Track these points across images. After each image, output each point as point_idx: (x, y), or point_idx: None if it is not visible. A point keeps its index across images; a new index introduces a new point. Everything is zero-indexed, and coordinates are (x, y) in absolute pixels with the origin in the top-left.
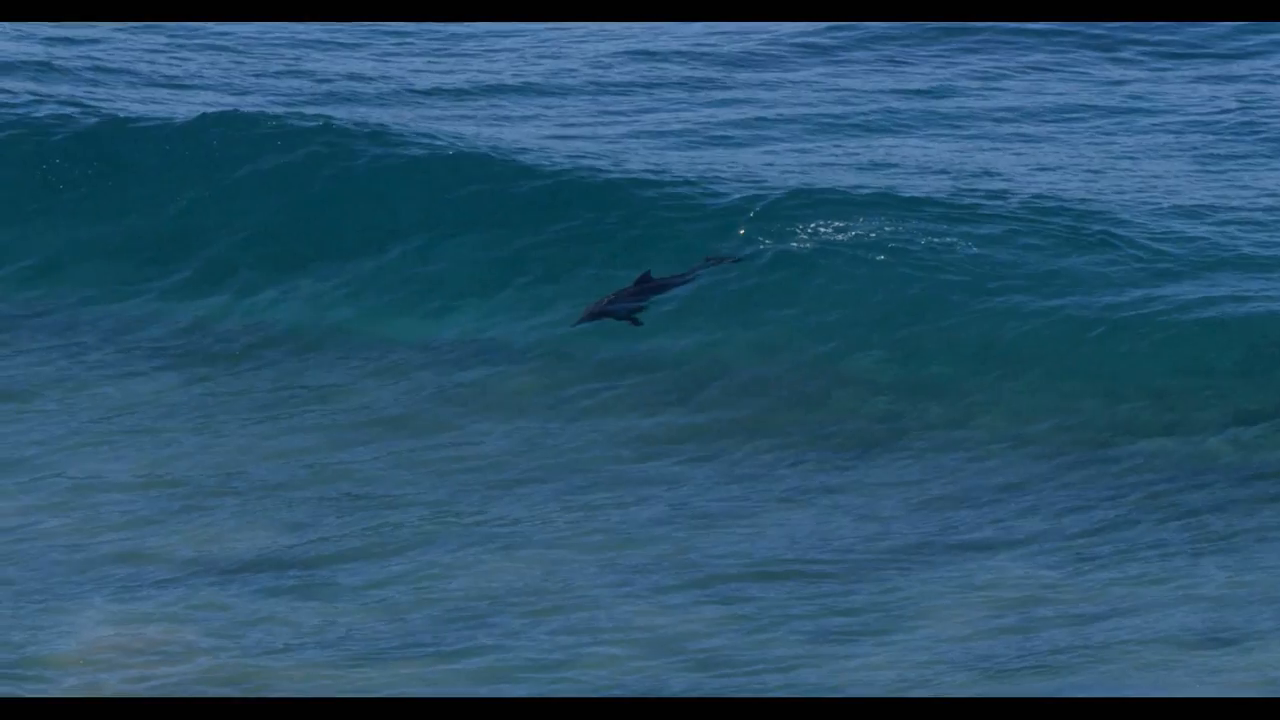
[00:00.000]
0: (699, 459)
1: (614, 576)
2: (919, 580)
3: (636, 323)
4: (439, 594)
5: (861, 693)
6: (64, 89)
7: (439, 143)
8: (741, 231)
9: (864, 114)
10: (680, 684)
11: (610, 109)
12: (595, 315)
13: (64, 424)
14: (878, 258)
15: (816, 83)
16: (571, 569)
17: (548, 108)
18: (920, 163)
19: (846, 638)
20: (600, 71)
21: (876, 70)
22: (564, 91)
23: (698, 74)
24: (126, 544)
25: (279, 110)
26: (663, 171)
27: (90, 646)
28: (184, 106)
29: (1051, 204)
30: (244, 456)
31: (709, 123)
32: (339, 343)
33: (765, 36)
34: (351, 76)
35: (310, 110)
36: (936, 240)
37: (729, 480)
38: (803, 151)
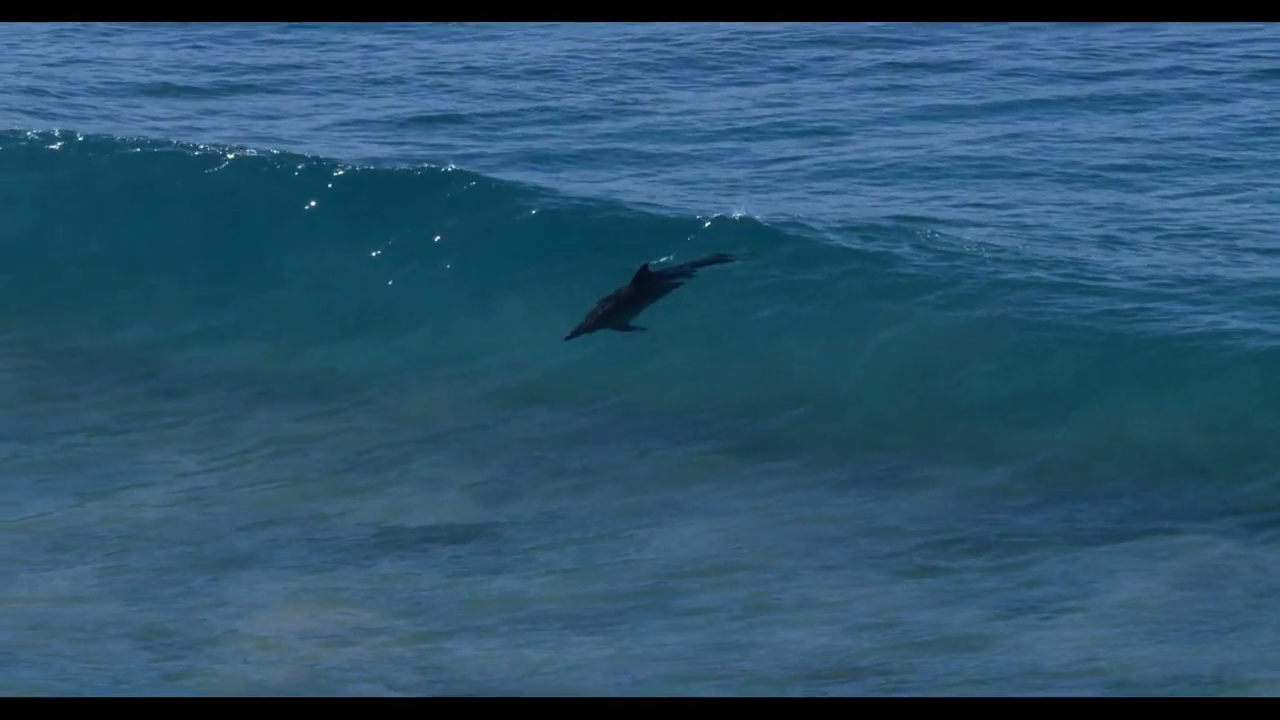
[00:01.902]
0: (878, 425)
1: (799, 548)
2: (1103, 553)
3: (640, 329)
4: (623, 570)
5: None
6: None
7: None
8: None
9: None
10: (869, 660)
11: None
12: (593, 327)
13: (248, 386)
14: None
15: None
16: (756, 542)
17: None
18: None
19: (1034, 611)
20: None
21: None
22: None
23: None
24: (307, 516)
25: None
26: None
27: (270, 621)
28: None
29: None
30: (426, 426)
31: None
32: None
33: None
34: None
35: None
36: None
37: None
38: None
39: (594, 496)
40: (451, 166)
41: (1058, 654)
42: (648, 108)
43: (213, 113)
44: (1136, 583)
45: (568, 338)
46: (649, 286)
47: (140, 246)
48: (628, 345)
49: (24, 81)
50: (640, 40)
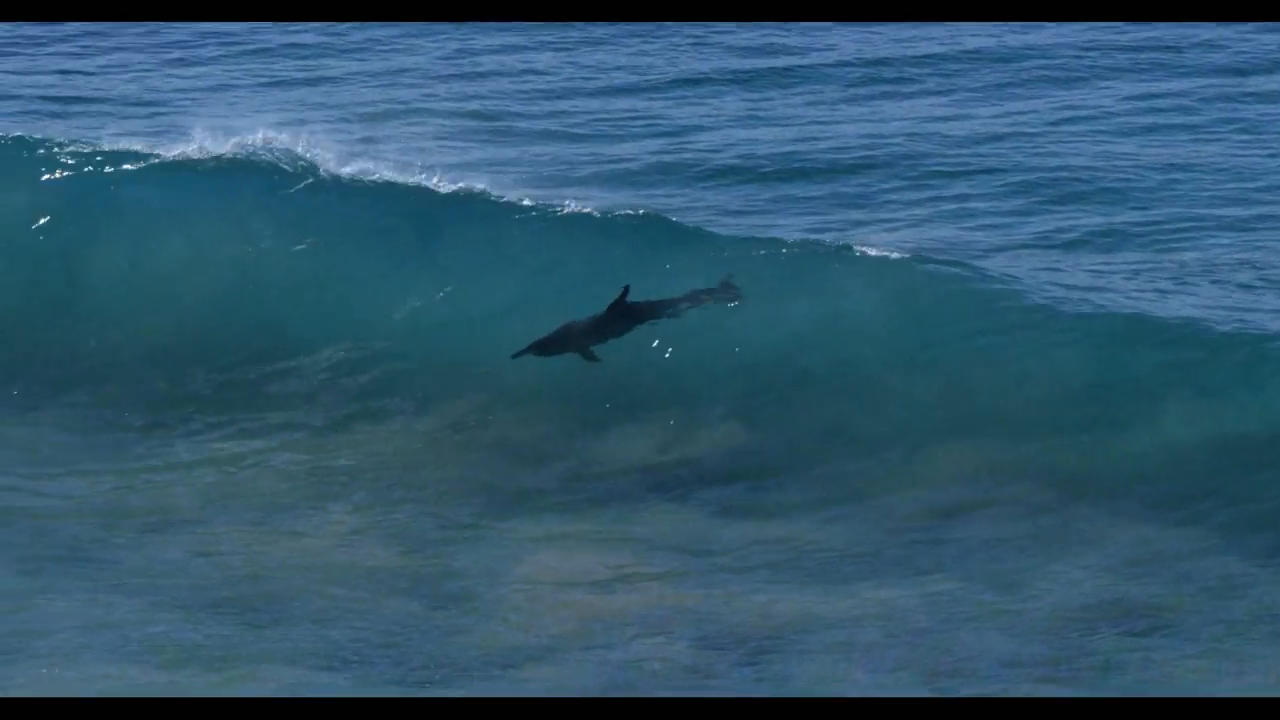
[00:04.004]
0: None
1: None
2: None
3: (592, 358)
4: (891, 515)
5: None
6: None
7: None
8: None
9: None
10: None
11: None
12: (544, 348)
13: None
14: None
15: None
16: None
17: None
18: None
19: None
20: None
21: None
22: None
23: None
24: (561, 463)
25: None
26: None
27: (538, 570)
28: None
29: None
30: (677, 368)
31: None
32: None
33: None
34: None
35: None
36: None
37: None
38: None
39: (858, 441)
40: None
41: None
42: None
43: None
44: None
45: (515, 355)
46: (623, 316)
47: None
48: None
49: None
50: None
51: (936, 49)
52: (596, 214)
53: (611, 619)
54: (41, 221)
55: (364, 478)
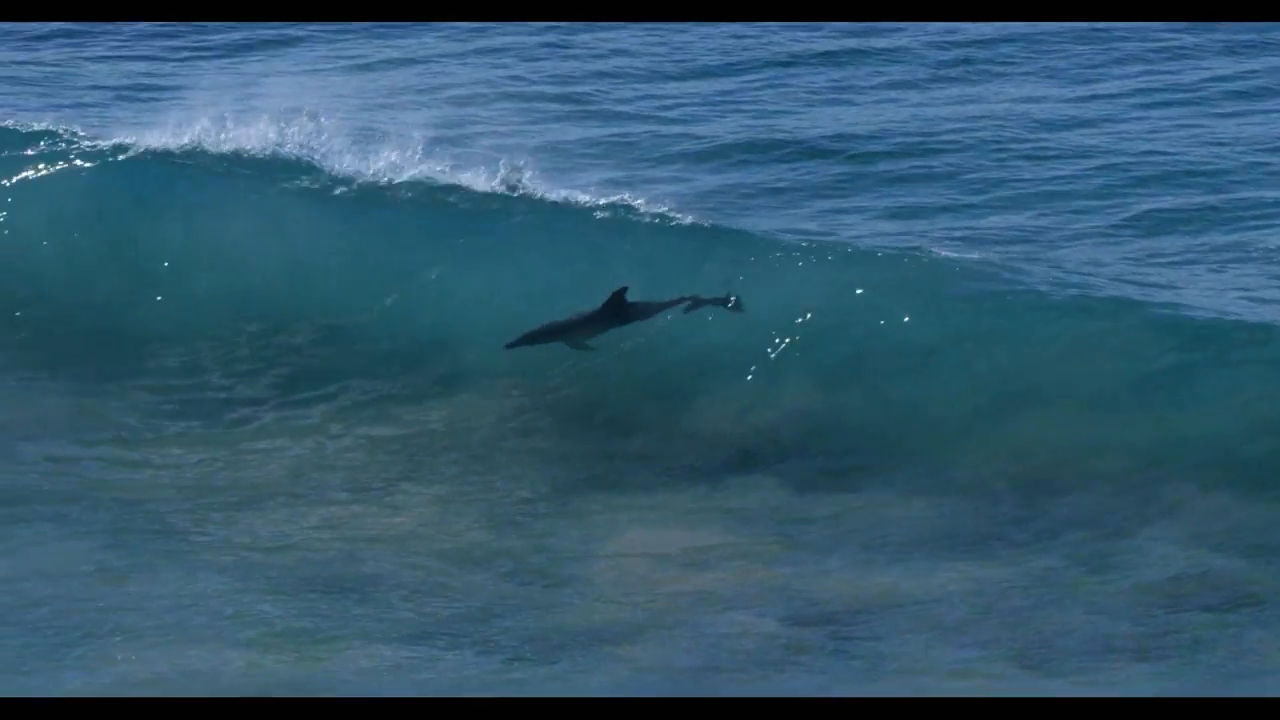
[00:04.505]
0: None
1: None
2: None
3: (585, 348)
4: (982, 493)
5: None
6: None
7: None
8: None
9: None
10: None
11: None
12: (540, 338)
13: None
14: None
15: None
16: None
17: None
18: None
19: None
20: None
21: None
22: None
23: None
24: (644, 438)
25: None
26: None
27: (625, 548)
28: None
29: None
30: (751, 342)
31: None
32: None
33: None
34: None
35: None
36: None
37: None
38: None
39: (938, 416)
40: None
41: None
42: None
43: None
44: None
45: (509, 345)
46: (619, 312)
47: None
48: None
49: None
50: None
51: (1021, 30)
52: (658, 209)
53: (700, 594)
54: (119, 207)
55: (451, 454)
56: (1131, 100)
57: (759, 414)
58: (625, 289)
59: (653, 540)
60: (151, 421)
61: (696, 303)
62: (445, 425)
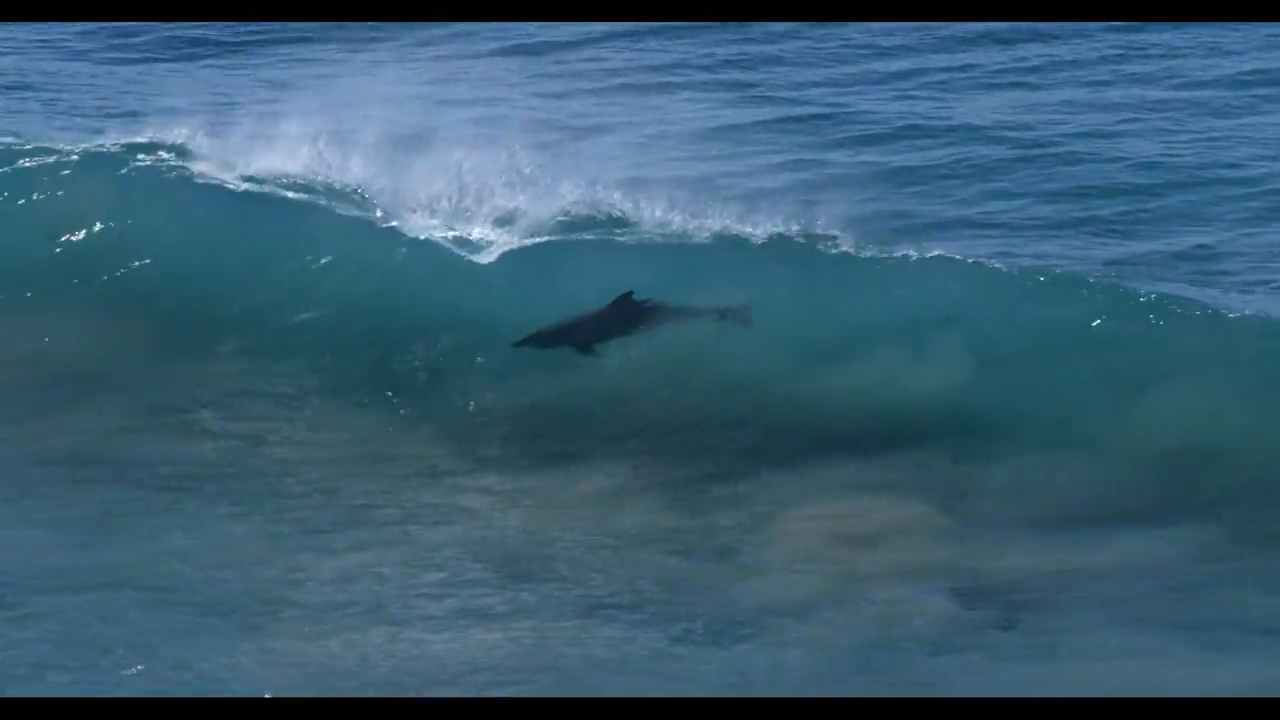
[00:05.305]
0: None
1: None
2: None
3: (592, 352)
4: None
5: None
6: None
7: None
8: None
9: None
10: None
11: None
12: (546, 340)
13: None
14: None
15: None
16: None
17: None
18: None
19: None
20: None
21: None
22: None
23: None
24: (806, 412)
25: None
26: None
27: (797, 522)
28: None
29: None
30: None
31: None
32: None
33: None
34: None
35: None
36: None
37: None
38: None
39: (1090, 389)
40: None
41: None
42: None
43: None
44: None
45: (515, 344)
46: (627, 316)
47: None
48: None
49: None
50: None
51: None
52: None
53: (870, 571)
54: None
55: (618, 432)
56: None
57: (907, 387)
58: (631, 293)
59: (818, 515)
60: (312, 395)
61: (706, 312)
62: (614, 406)
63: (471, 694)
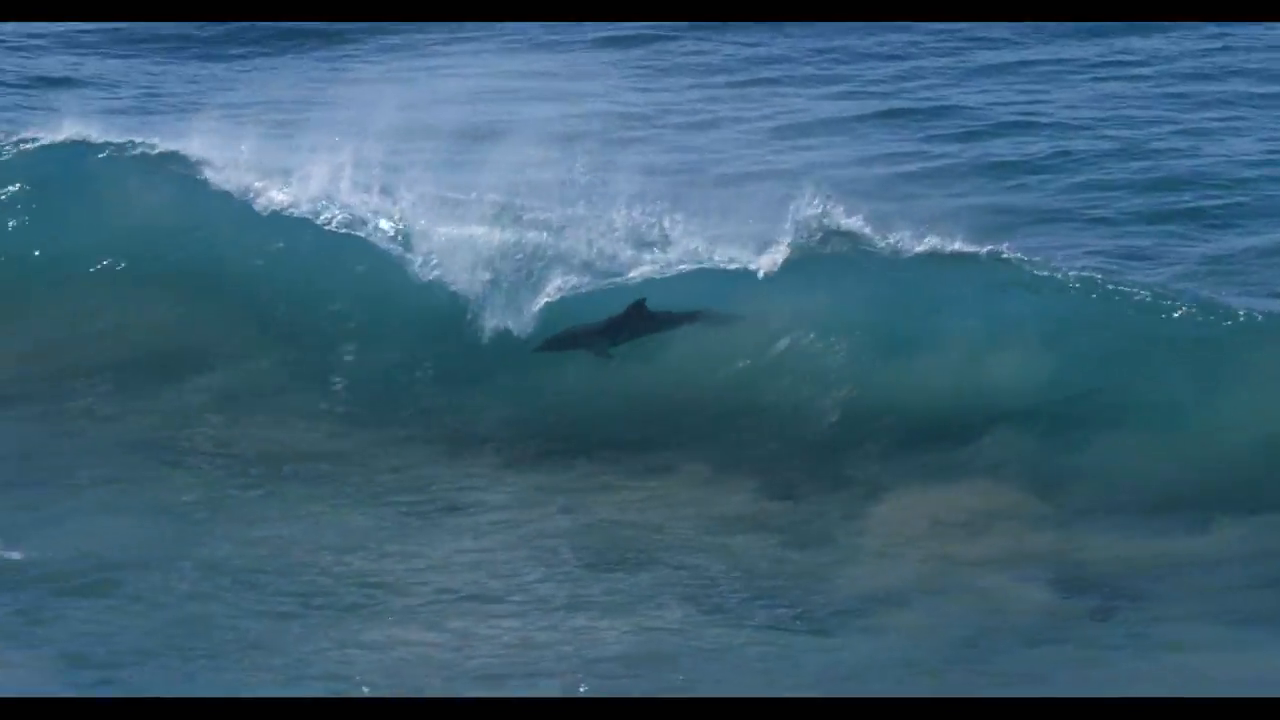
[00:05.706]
0: None
1: None
2: None
3: (606, 355)
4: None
5: None
6: None
7: None
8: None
9: None
10: None
11: None
12: (564, 344)
13: None
14: None
15: None
16: None
17: None
18: None
19: None
20: None
21: None
22: None
23: None
24: (898, 403)
25: None
26: None
27: (894, 512)
28: None
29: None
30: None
31: None
32: None
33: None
34: None
35: None
36: None
37: None
38: None
39: (1190, 385)
40: None
41: None
42: None
43: None
44: None
45: (535, 349)
46: (640, 321)
47: None
48: None
49: None
50: None
51: None
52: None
53: (966, 559)
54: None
55: (712, 423)
56: None
57: (998, 378)
58: (644, 300)
59: (914, 503)
60: (405, 381)
61: (709, 317)
62: (707, 396)
63: (573, 687)
